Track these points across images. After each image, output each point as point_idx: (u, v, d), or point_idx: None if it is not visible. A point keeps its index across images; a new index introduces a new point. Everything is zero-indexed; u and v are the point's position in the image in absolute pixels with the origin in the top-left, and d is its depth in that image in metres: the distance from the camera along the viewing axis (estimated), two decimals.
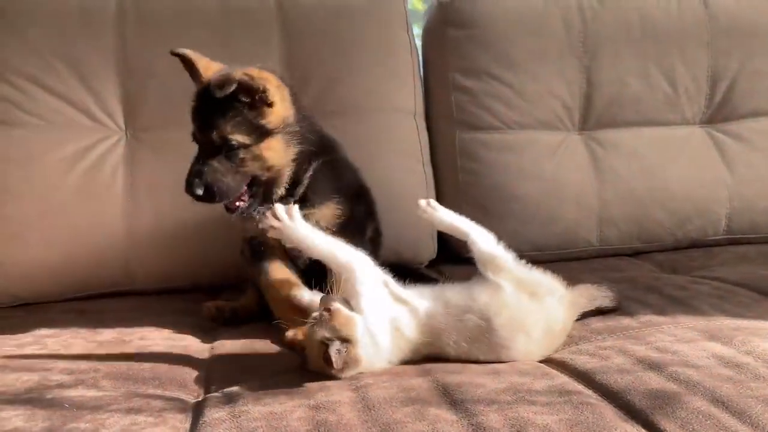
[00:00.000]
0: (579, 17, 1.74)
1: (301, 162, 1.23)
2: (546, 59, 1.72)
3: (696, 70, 1.78)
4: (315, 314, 1.00)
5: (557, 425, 0.80)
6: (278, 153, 1.19)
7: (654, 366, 0.95)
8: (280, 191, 1.22)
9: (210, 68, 1.21)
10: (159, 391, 0.98)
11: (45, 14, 1.50)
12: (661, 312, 1.21)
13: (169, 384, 1.01)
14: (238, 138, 1.14)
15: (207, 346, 1.20)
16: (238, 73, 1.12)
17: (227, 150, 1.15)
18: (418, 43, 1.79)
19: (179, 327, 1.28)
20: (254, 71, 1.16)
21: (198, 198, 1.15)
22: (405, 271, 1.12)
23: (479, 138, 1.70)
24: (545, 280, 1.08)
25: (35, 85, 1.49)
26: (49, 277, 1.44)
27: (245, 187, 1.19)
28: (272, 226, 1.03)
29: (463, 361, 1.01)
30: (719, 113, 1.82)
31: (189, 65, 1.22)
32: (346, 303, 1.00)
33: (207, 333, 1.27)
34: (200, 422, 0.86)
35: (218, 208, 1.22)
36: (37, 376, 1.01)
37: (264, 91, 1.15)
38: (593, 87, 1.75)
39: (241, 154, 1.15)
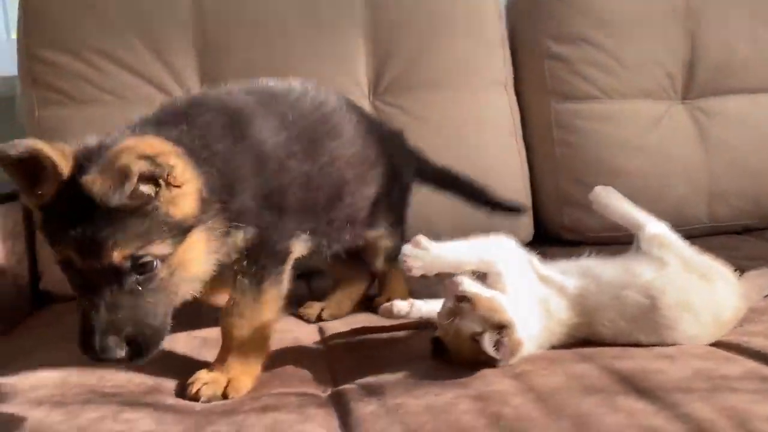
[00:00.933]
0: None
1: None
2: (647, 24, 1.59)
3: None
4: (448, 305, 0.89)
5: None
6: (206, 249, 0.84)
7: None
8: None
9: (65, 155, 0.76)
10: (284, 389, 0.88)
11: None
12: None
13: (290, 379, 0.91)
14: (156, 250, 0.76)
15: (316, 336, 1.10)
16: (130, 159, 0.71)
17: (140, 271, 0.76)
18: None
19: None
20: (146, 146, 0.75)
21: (119, 362, 0.76)
22: None
23: (576, 108, 1.57)
24: (717, 264, 0.95)
25: (111, 62, 1.39)
26: None
27: None
28: (414, 267, 0.87)
29: (621, 343, 0.90)
30: None
31: (34, 164, 0.75)
32: (475, 280, 0.89)
33: (310, 323, 1.17)
34: (352, 418, 0.75)
35: None
36: (151, 378, 0.91)
37: (170, 171, 0.76)
38: (698, 52, 1.61)
39: (163, 271, 0.77)
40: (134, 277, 0.76)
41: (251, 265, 0.91)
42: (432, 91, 1.52)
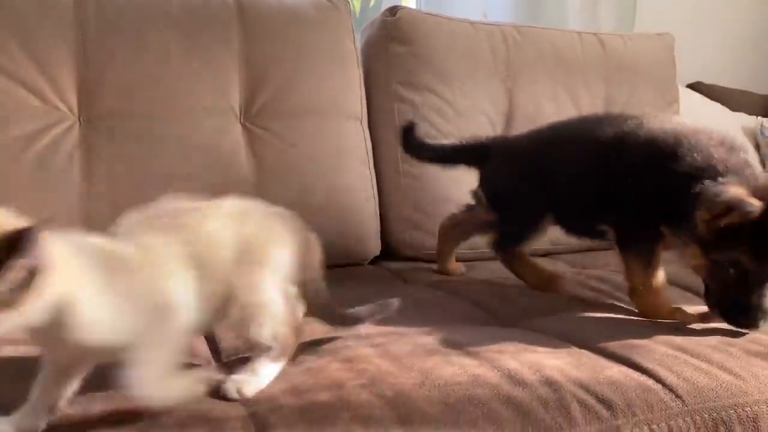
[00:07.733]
0: (503, 45, 1.97)
1: None
2: (476, 79, 1.93)
3: (595, 97, 2.08)
4: None
5: (564, 366, 0.94)
6: None
7: None
8: None
9: None
10: None
11: None
12: None
13: None
14: None
15: None
16: None
17: None
18: None
19: None
20: None
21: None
22: None
23: None
24: None
25: None
26: None
27: None
28: None
29: None
30: None
31: None
32: None
33: None
34: None
35: None
36: None
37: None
38: (514, 106, 1.97)
39: None
40: None
41: None
42: (299, 118, 1.70)
